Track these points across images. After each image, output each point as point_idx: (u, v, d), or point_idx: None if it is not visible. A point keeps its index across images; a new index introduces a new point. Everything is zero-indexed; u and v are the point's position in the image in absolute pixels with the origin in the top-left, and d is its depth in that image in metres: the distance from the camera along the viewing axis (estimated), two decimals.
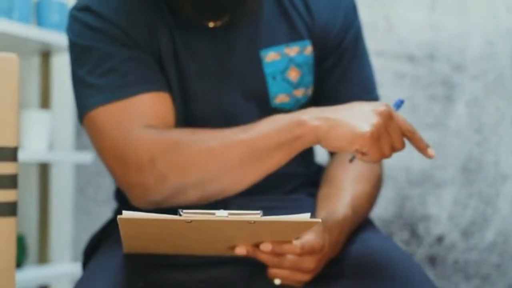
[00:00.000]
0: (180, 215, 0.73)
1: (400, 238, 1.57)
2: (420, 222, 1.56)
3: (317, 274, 0.91)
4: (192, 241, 0.85)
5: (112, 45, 0.98)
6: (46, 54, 1.83)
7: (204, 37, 1.03)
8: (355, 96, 1.04)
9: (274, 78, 1.04)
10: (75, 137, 1.94)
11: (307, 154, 1.11)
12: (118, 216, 0.73)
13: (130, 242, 0.86)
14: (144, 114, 0.95)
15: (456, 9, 1.54)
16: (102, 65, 1.00)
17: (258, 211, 0.74)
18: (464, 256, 1.52)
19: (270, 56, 1.04)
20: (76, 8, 1.04)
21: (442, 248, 1.54)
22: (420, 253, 1.55)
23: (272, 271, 0.87)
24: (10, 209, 0.88)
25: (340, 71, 1.07)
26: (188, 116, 1.03)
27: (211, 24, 1.02)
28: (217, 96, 1.04)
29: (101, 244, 1.06)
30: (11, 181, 0.88)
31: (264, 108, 1.03)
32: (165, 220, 0.73)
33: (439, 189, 1.54)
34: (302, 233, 0.83)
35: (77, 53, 1.05)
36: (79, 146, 1.94)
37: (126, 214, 0.73)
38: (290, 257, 0.86)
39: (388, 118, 0.85)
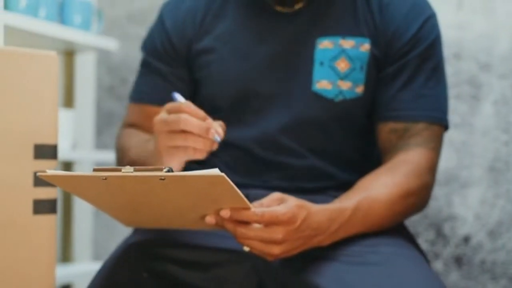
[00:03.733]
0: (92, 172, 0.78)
1: (425, 238, 1.56)
2: (446, 222, 1.55)
3: (295, 252, 0.90)
4: (156, 209, 0.88)
5: (151, 56, 1.15)
6: (69, 53, 1.83)
7: (267, 19, 1.08)
8: (417, 109, 1.05)
9: (321, 63, 1.05)
10: (96, 136, 1.95)
11: (350, 160, 1.10)
12: (38, 173, 0.77)
13: (102, 209, 0.91)
14: (133, 118, 1.16)
15: (483, 8, 1.53)
16: (141, 68, 1.18)
17: (164, 167, 0.76)
18: (491, 256, 1.51)
19: (324, 44, 1.06)
20: (163, 3, 1.19)
21: (469, 248, 1.53)
22: (446, 253, 1.55)
23: (239, 239, 0.88)
24: (50, 206, 0.88)
25: (402, 81, 1.06)
26: (225, 93, 1.09)
27: (279, 8, 1.08)
28: (259, 74, 1.07)
29: None
30: None
31: (305, 91, 1.05)
32: (80, 176, 0.77)
33: (465, 189, 1.53)
34: (228, 192, 0.81)
35: (142, 44, 1.20)
36: (99, 145, 1.95)
37: (49, 171, 0.77)
38: (254, 226, 0.86)
39: None
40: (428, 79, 1.07)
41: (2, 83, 0.85)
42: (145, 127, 1.14)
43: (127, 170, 0.75)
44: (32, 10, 1.51)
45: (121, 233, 1.85)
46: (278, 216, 0.85)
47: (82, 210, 1.89)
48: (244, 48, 1.08)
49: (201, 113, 0.88)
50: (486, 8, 1.52)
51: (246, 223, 0.87)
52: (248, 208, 0.84)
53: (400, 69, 1.06)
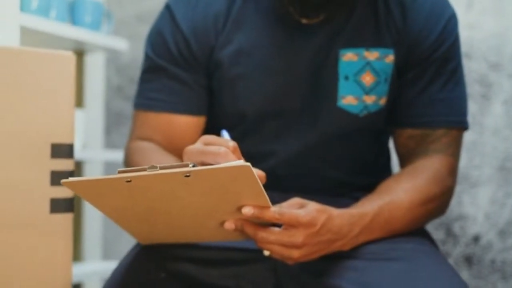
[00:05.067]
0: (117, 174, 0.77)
1: (435, 237, 1.56)
2: (456, 221, 1.55)
3: (315, 256, 0.90)
4: (173, 219, 0.87)
5: (162, 60, 1.07)
6: (79, 53, 1.84)
7: (289, 31, 1.04)
8: (436, 115, 1.04)
9: (346, 78, 1.03)
10: (105, 135, 1.95)
11: (369, 165, 1.11)
12: (62, 181, 0.77)
13: (120, 222, 0.90)
14: (143, 128, 1.08)
15: (493, 8, 1.53)
16: (149, 72, 1.09)
17: (188, 162, 0.75)
18: (501, 255, 1.51)
19: (348, 56, 1.03)
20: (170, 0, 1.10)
21: (479, 247, 1.53)
22: (455, 252, 1.55)
23: (260, 244, 0.88)
24: (67, 205, 0.89)
25: (421, 85, 1.04)
26: (247, 108, 1.05)
27: (304, 21, 1.03)
28: (284, 90, 1.04)
29: None
30: (68, 177, 0.89)
31: (330, 106, 1.03)
32: (104, 180, 0.77)
33: (475, 188, 1.53)
34: (251, 187, 0.80)
35: (146, 44, 1.12)
36: (108, 145, 1.95)
37: (71, 178, 0.77)
38: (274, 230, 0.87)
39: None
40: (447, 81, 1.05)
41: (19, 82, 0.86)
42: (159, 139, 1.08)
43: (153, 169, 0.75)
44: (43, 11, 1.51)
45: None
46: (298, 218, 0.85)
47: (92, 209, 1.89)
48: (268, 63, 1.04)
49: (240, 156, 0.84)
50: (496, 8, 1.53)
51: (266, 227, 0.87)
52: (268, 207, 0.84)
53: (420, 73, 1.04)
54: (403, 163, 1.09)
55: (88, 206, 1.89)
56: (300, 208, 0.88)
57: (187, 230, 0.91)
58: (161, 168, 0.75)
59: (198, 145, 0.84)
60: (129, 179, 0.76)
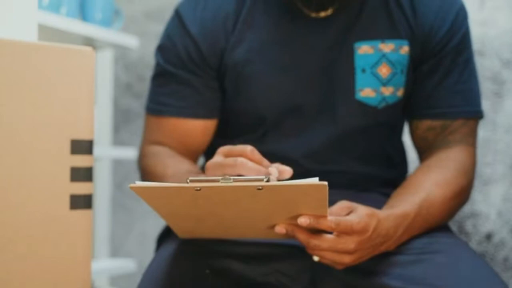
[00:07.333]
0: (188, 183, 0.77)
1: None
2: (468, 219, 1.55)
3: (364, 259, 0.90)
4: (225, 220, 0.87)
5: (171, 65, 1.08)
6: None
7: (300, 27, 1.05)
8: (454, 106, 1.05)
9: (363, 71, 1.03)
10: (113, 132, 1.95)
11: (389, 158, 1.11)
12: (130, 185, 0.77)
13: (169, 219, 0.89)
14: (156, 132, 1.10)
15: (506, 5, 1.52)
16: (159, 77, 1.10)
17: (263, 176, 0.75)
18: None
19: (363, 49, 1.04)
20: (179, 5, 1.10)
21: (491, 245, 1.53)
22: None
23: (311, 251, 0.88)
24: (86, 201, 0.88)
25: (438, 78, 1.05)
26: (264, 104, 1.05)
27: (313, 15, 1.04)
28: (300, 86, 1.05)
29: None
30: (87, 174, 0.88)
31: (348, 100, 1.04)
32: (174, 187, 0.76)
33: (488, 186, 1.53)
34: (319, 201, 0.80)
35: (156, 50, 1.12)
36: (117, 142, 1.95)
37: (138, 183, 0.77)
38: (328, 238, 0.86)
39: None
40: (462, 72, 1.06)
41: (39, 78, 0.85)
42: (171, 142, 1.09)
43: (226, 181, 0.75)
44: (54, 7, 1.51)
45: (138, 230, 1.86)
46: (352, 226, 0.85)
47: (100, 207, 1.89)
48: (281, 59, 1.04)
49: (260, 158, 0.84)
50: (508, 5, 1.52)
51: (318, 233, 0.86)
52: (324, 216, 0.84)
53: (435, 65, 1.06)
54: (423, 155, 1.10)
55: (96, 204, 1.88)
56: (350, 213, 0.88)
57: (235, 228, 0.91)
58: (235, 180, 0.75)
59: (217, 158, 0.85)
60: (199, 188, 0.75)
